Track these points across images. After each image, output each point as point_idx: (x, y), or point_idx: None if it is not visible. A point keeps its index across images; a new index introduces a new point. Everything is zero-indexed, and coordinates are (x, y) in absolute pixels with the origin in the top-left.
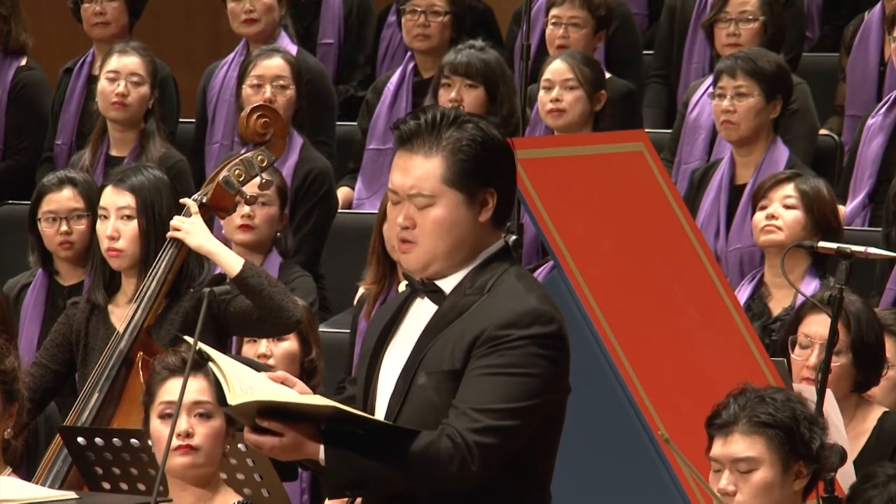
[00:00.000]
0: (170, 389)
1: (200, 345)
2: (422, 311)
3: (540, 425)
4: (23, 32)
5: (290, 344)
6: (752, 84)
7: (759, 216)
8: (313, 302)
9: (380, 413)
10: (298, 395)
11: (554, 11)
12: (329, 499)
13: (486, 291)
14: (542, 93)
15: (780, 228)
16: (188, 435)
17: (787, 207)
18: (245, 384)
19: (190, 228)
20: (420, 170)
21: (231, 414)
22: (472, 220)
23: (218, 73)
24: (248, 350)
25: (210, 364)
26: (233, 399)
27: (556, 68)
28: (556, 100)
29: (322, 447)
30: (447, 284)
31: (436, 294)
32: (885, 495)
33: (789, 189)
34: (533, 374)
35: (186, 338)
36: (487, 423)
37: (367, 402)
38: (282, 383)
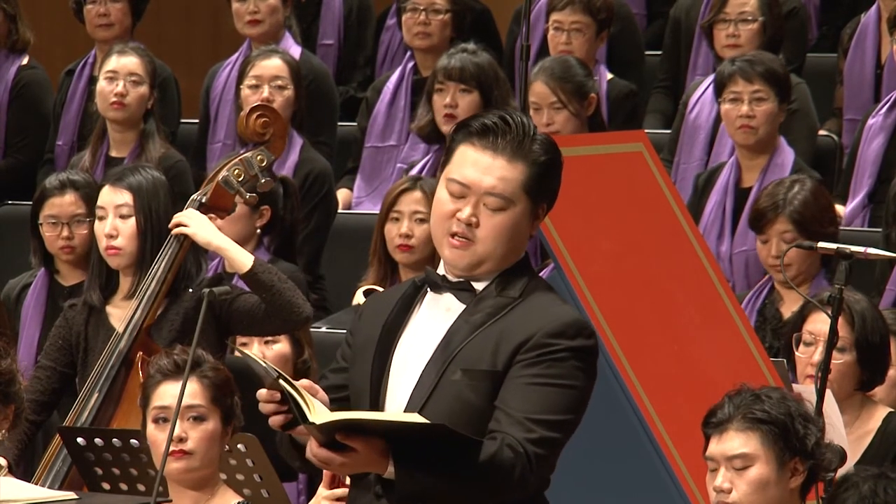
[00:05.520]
0: (162, 394)
1: (267, 362)
2: (442, 306)
3: None
4: (27, 31)
5: (282, 346)
6: (768, 88)
7: (763, 252)
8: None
9: (395, 404)
10: (374, 412)
11: (555, 16)
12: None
13: (519, 296)
14: (532, 112)
15: (787, 265)
16: (181, 440)
17: (788, 242)
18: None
19: (197, 226)
20: (504, 171)
21: (310, 431)
22: (528, 230)
23: (221, 73)
24: None
25: (281, 381)
26: (316, 418)
27: (540, 91)
28: (548, 124)
29: (391, 463)
30: (478, 284)
31: (465, 292)
32: (857, 496)
33: (784, 224)
34: (576, 386)
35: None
36: (542, 433)
37: (379, 393)
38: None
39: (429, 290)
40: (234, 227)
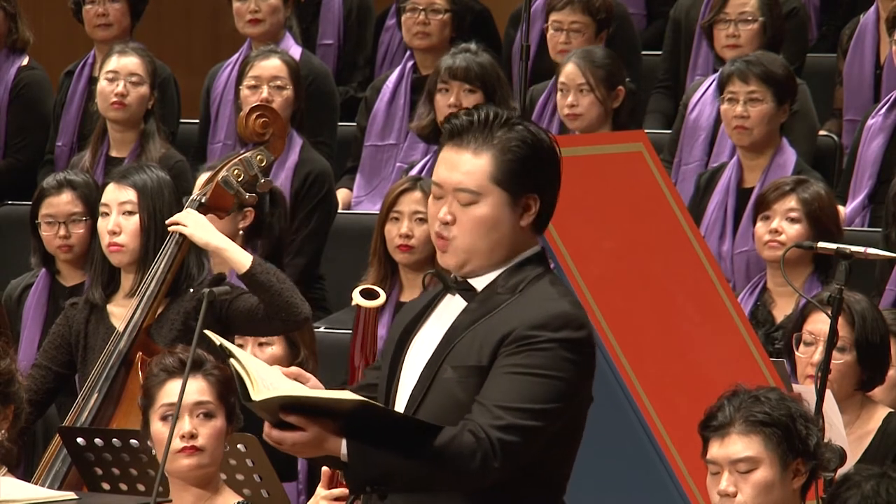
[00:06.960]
0: (169, 391)
1: (222, 340)
2: (451, 307)
3: (558, 431)
4: (27, 31)
5: (275, 349)
6: (764, 89)
7: (762, 229)
8: None
9: (401, 403)
10: (319, 390)
11: (554, 16)
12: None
13: (517, 292)
14: (559, 95)
15: (783, 244)
16: (192, 436)
17: (791, 221)
18: (266, 380)
19: (195, 226)
20: (469, 165)
21: (253, 409)
22: (513, 223)
23: (221, 73)
24: None
25: (231, 360)
26: (257, 395)
27: (569, 72)
28: (572, 105)
29: (344, 443)
30: (480, 282)
31: (468, 292)
32: (858, 495)
33: (792, 202)
34: (559, 377)
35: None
36: (510, 420)
37: (390, 393)
38: (295, 379)
39: (446, 292)
40: (216, 227)
